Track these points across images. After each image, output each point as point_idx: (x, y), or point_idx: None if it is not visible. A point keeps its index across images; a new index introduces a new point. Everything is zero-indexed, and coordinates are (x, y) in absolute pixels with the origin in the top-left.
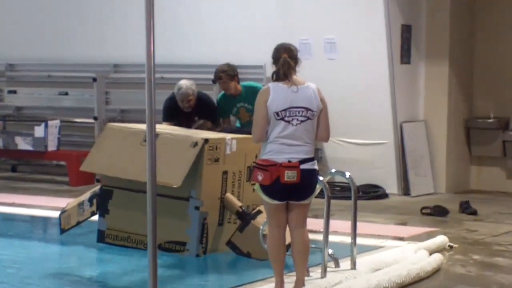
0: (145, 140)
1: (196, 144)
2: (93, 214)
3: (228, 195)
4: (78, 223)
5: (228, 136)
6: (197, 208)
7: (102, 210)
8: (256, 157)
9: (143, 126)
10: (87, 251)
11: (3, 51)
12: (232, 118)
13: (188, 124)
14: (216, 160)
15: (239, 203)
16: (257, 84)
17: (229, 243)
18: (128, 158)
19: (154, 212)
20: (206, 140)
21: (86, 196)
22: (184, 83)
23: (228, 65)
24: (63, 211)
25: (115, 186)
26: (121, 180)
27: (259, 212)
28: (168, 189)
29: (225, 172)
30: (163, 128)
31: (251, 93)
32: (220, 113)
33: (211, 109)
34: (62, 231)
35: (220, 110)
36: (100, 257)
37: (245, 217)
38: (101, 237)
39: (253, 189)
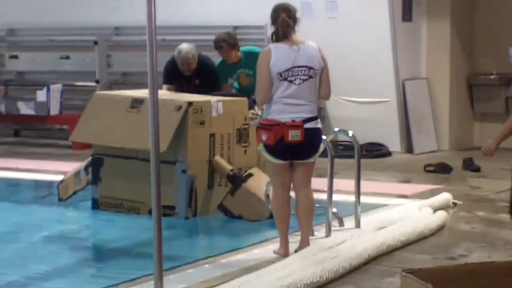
0: (131, 107)
1: (180, 107)
2: (89, 183)
3: (217, 158)
4: (75, 193)
5: (214, 98)
6: (184, 171)
7: (94, 178)
8: (245, 119)
9: (130, 93)
10: (87, 215)
11: (4, 16)
12: (230, 81)
13: (188, 87)
14: (202, 123)
15: (229, 167)
16: (256, 48)
17: (220, 207)
18: (115, 125)
19: (157, 181)
20: (190, 103)
21: (82, 165)
22: (184, 46)
23: (228, 34)
24: (61, 181)
25: (106, 154)
26: (111, 147)
27: (250, 175)
28: None
29: (212, 135)
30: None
31: (251, 58)
32: (222, 78)
33: (211, 72)
34: (60, 200)
35: (219, 76)
36: (99, 222)
37: (236, 180)
38: (95, 205)
39: (245, 151)
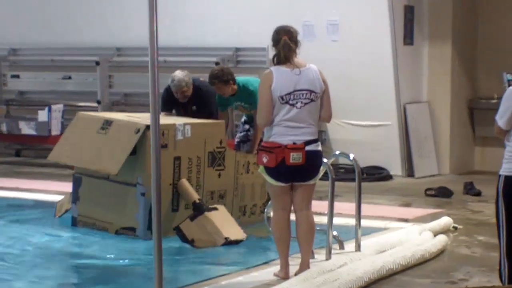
0: (101, 128)
1: (138, 130)
2: None
3: (184, 183)
4: (66, 211)
5: (180, 121)
6: (143, 194)
7: (74, 197)
8: (221, 142)
9: (107, 115)
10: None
11: (6, 35)
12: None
13: (186, 114)
14: (164, 146)
15: (197, 196)
16: (252, 79)
17: (176, 228)
18: (84, 146)
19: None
20: (148, 126)
21: None
22: (176, 74)
23: (222, 70)
24: (60, 200)
25: (84, 173)
26: (85, 168)
27: (215, 209)
28: (119, 175)
29: (177, 158)
30: (129, 115)
31: (245, 92)
32: (220, 106)
33: (208, 98)
34: (55, 217)
35: (220, 104)
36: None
37: (200, 208)
38: (74, 223)
39: (219, 175)
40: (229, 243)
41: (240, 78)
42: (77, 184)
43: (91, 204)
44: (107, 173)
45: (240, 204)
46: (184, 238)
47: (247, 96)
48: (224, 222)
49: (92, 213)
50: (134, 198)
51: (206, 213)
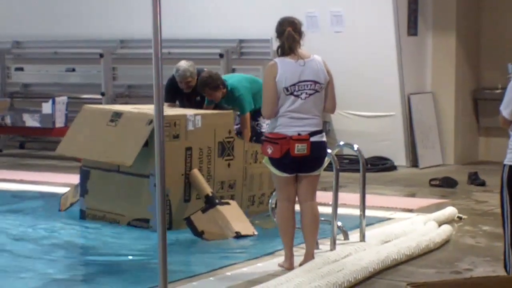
0: (111, 121)
1: (151, 121)
2: None
3: (196, 174)
4: (71, 205)
5: (191, 112)
6: (156, 185)
7: (82, 190)
8: (229, 132)
9: (115, 107)
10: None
11: (10, 28)
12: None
13: (190, 104)
14: (176, 137)
15: (209, 189)
16: (244, 79)
17: (187, 219)
18: (95, 139)
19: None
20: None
21: None
22: (181, 64)
23: (210, 76)
24: (64, 193)
25: (92, 166)
26: (97, 160)
27: (227, 203)
28: (132, 167)
29: (188, 149)
30: (135, 107)
31: (231, 98)
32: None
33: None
34: (60, 211)
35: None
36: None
37: (212, 201)
38: (83, 216)
39: (228, 165)
40: (238, 237)
41: (232, 79)
42: (85, 177)
43: (101, 197)
44: (121, 164)
45: (249, 194)
46: (194, 230)
47: (233, 100)
48: (235, 216)
49: (102, 205)
50: (147, 189)
51: (218, 207)
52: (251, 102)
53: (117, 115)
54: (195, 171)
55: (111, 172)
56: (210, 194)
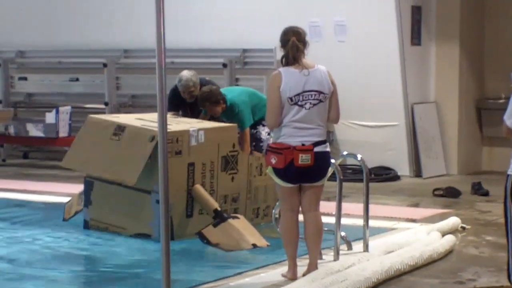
0: (114, 134)
1: (153, 138)
2: None
3: (200, 189)
4: (75, 213)
5: (194, 127)
6: (158, 202)
7: (86, 200)
8: (233, 146)
9: (119, 118)
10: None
11: (13, 38)
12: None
13: (192, 114)
14: (178, 153)
15: (216, 203)
16: (244, 93)
17: (199, 234)
18: (97, 153)
19: (166, 202)
20: None
21: None
22: (184, 74)
23: (211, 91)
24: (68, 201)
25: (96, 178)
26: (104, 177)
27: (237, 217)
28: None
29: (191, 164)
30: (138, 117)
31: (231, 113)
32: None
33: None
34: (64, 220)
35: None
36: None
37: (222, 216)
38: (86, 226)
39: (232, 178)
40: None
41: (231, 94)
42: (88, 188)
43: (104, 209)
44: (124, 183)
45: (253, 207)
46: (207, 242)
47: (233, 116)
48: (247, 229)
49: (105, 217)
50: (149, 205)
51: (230, 220)
52: (251, 117)
53: (120, 128)
54: (198, 187)
55: (114, 185)
56: (219, 209)
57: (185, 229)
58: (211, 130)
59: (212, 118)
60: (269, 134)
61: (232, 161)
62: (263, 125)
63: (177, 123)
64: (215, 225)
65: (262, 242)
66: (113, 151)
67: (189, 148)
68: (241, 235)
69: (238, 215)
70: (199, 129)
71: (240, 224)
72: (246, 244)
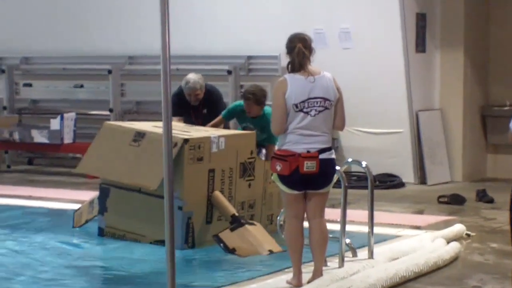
0: (133, 141)
1: (175, 144)
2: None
3: (219, 196)
4: (86, 221)
5: (215, 134)
6: (180, 208)
7: (101, 208)
8: (251, 153)
9: (136, 125)
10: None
11: (18, 44)
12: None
13: (196, 117)
14: (200, 159)
15: (233, 209)
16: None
17: (216, 237)
18: (116, 159)
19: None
20: (186, 140)
21: (97, 194)
22: (191, 77)
23: (261, 90)
24: (77, 209)
25: (112, 184)
26: (119, 181)
27: (254, 224)
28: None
29: (211, 170)
30: (154, 125)
31: (264, 121)
32: (226, 114)
33: (218, 101)
34: (74, 228)
35: (228, 113)
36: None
37: (240, 221)
38: (101, 234)
39: (249, 185)
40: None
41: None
42: (104, 195)
43: (121, 216)
44: (146, 188)
45: (268, 213)
46: (224, 246)
47: (264, 124)
48: (264, 236)
49: (122, 225)
50: None
51: (247, 226)
52: None
53: (140, 135)
54: (217, 193)
55: (132, 192)
56: (236, 214)
57: (205, 235)
58: (231, 137)
59: (225, 126)
60: None
61: (249, 168)
62: None
63: (196, 131)
64: (232, 230)
65: (277, 248)
66: (132, 157)
67: (210, 155)
68: (257, 240)
69: (255, 222)
70: (219, 136)
71: (257, 230)
72: (263, 249)
